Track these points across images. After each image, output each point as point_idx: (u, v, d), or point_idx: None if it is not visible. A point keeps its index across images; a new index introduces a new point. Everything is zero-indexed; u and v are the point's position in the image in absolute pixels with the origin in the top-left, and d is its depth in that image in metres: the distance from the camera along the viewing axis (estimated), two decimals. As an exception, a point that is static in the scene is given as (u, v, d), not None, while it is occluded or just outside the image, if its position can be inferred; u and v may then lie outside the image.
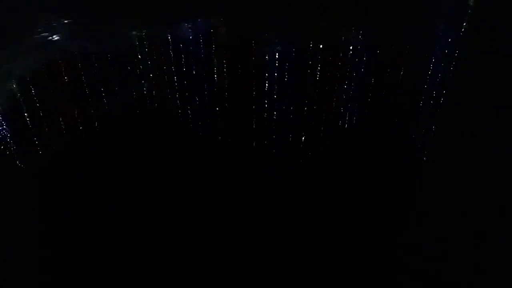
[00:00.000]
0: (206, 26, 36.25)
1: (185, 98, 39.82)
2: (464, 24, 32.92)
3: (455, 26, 33.03)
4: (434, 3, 33.43)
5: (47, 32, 34.88)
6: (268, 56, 34.65)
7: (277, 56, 34.68)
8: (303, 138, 38.80)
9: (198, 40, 36.62)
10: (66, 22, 35.94)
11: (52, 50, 34.88)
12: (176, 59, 37.92)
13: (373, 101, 38.16)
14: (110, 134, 38.52)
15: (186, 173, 39.06)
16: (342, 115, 38.63)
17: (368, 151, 38.47)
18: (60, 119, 36.98)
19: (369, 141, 38.68)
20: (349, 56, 35.59)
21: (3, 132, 35.00)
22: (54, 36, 35.50)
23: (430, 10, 33.34)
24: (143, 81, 39.66)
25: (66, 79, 35.58)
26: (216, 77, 37.67)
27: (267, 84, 35.85)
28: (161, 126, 39.86)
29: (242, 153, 39.19)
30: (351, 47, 35.22)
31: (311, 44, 34.84)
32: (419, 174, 38.45)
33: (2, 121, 34.39)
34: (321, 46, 34.72)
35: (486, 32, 32.59)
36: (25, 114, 34.99)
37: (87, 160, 37.76)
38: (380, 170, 38.01)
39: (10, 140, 35.07)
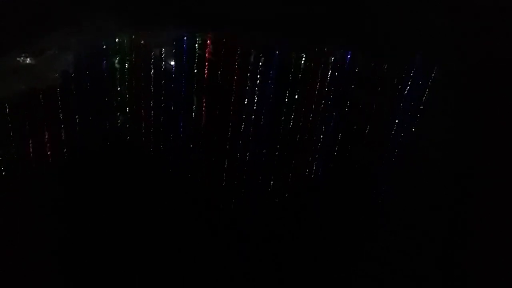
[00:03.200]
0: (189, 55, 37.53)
1: (160, 133, 40.37)
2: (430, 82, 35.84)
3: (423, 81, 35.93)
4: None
5: (27, 57, 34.92)
6: (247, 98, 36.29)
7: (255, 99, 36.37)
8: (271, 182, 39.69)
9: (180, 76, 37.93)
10: (46, 47, 36.28)
11: (29, 75, 34.88)
12: (155, 94, 38.87)
13: (339, 155, 40.07)
14: (78, 163, 37.82)
15: (153, 209, 38.41)
16: (310, 164, 40.17)
17: (331, 202, 39.65)
18: (30, 143, 36.23)
19: (333, 192, 40.00)
20: (320, 109, 37.82)
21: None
22: (33, 61, 35.48)
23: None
24: (118, 113, 40.03)
25: (41, 103, 35.44)
26: (194, 114, 38.70)
27: (243, 126, 37.18)
28: (132, 160, 39.62)
29: (212, 192, 39.44)
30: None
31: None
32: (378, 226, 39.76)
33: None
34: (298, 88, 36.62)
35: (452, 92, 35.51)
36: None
37: (51, 187, 36.60)
38: (341, 220, 39.06)
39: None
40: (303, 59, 35.42)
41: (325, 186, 40.05)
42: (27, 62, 35.26)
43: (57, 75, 34.80)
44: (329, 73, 36.16)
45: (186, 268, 35.02)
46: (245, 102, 36.63)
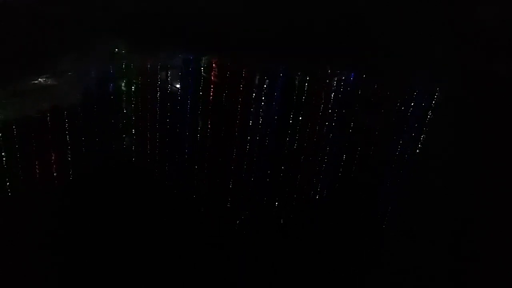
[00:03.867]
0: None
1: (165, 155, 40.73)
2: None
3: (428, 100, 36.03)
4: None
5: (41, 78, 35.59)
6: (252, 119, 36.70)
7: (260, 120, 36.79)
8: (275, 203, 39.74)
9: (186, 98, 38.53)
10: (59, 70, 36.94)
11: (41, 97, 35.51)
12: (161, 116, 39.44)
13: (343, 176, 40.17)
14: (82, 183, 38.12)
15: (158, 229, 38.39)
16: (314, 186, 40.23)
17: (335, 223, 39.61)
18: (36, 163, 36.64)
19: (337, 213, 40.00)
20: (324, 130, 38.16)
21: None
22: (47, 82, 36.09)
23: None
24: (124, 135, 40.53)
25: (49, 125, 36.06)
26: (199, 136, 39.09)
27: (248, 146, 37.48)
28: (137, 181, 39.93)
29: (216, 212, 39.51)
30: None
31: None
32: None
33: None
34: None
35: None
36: (2, 154, 34.66)
37: (55, 207, 36.80)
38: (345, 240, 38.97)
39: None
40: (307, 80, 35.92)
41: (329, 207, 40.11)
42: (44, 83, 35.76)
43: (67, 96, 35.34)
44: (332, 95, 36.60)
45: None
46: (250, 124, 36.99)
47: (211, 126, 38.86)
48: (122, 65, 37.27)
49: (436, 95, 35.23)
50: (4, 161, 34.67)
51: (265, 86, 36.51)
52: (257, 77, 36.63)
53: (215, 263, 35.70)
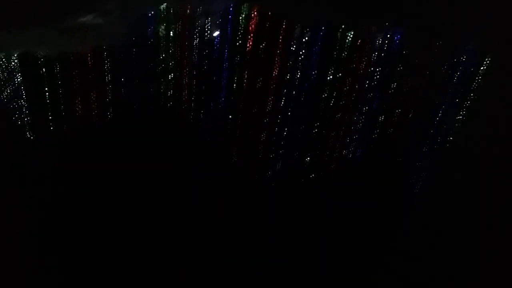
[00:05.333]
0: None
1: (200, 102, 41.02)
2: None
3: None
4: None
5: (87, 17, 35.83)
6: (289, 73, 35.88)
7: (297, 74, 35.91)
8: (307, 159, 39.62)
9: (224, 47, 38.01)
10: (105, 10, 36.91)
11: (86, 35, 35.94)
12: (198, 63, 39.28)
13: (379, 138, 39.20)
14: (121, 123, 39.32)
15: (186, 175, 39.43)
16: (348, 145, 39.63)
17: (366, 184, 39.19)
18: (77, 101, 37.99)
19: (369, 174, 39.44)
20: (363, 89, 36.87)
21: (20, 103, 36.37)
22: (93, 21, 36.24)
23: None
24: (162, 79, 40.90)
25: (91, 64, 36.93)
26: (235, 86, 38.85)
27: (283, 100, 37.01)
28: (171, 125, 40.66)
29: (246, 164, 40.02)
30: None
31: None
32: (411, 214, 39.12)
33: (22, 93, 35.77)
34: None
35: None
36: (46, 90, 36.01)
37: (94, 143, 38.35)
38: (374, 202, 38.68)
39: (26, 111, 36.30)
40: (350, 36, 34.29)
41: (361, 168, 39.61)
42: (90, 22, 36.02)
43: (110, 36, 35.54)
44: (376, 53, 34.94)
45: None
46: (287, 77, 36.24)
47: (247, 76, 38.37)
48: (163, 9, 36.77)
49: (487, 59, 32.76)
50: (47, 97, 36.61)
51: (305, 38, 35.26)
52: (298, 28, 35.37)
53: (241, 213, 36.86)
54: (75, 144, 37.70)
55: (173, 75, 40.59)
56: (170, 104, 41.69)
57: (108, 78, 38.04)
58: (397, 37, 34.43)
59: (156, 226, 35.30)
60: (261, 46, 36.49)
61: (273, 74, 36.92)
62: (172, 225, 35.65)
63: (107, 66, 37.46)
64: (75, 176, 36.65)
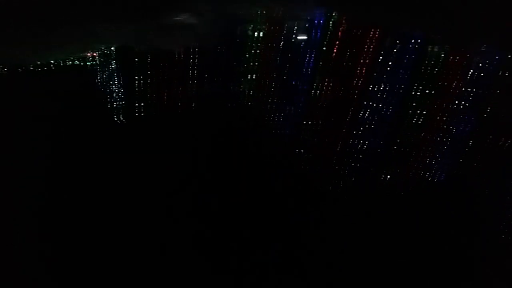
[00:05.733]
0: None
1: (278, 104, 41.12)
2: None
3: None
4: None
5: (183, 16, 37.52)
6: (374, 84, 34.82)
7: (382, 86, 34.70)
8: (383, 176, 38.21)
9: (308, 52, 37.79)
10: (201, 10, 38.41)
11: (181, 33, 37.63)
12: (281, 66, 39.39)
13: (465, 162, 36.46)
14: (203, 116, 40.64)
15: (254, 174, 39.55)
16: (430, 167, 37.60)
17: (442, 211, 36.98)
18: (165, 91, 40.07)
19: (450, 202, 37.07)
20: (454, 109, 34.69)
21: (113, 87, 38.96)
22: (188, 20, 37.57)
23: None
24: (243, 79, 41.64)
25: (180, 60, 38.77)
26: (315, 92, 38.45)
27: (364, 112, 36.02)
28: (247, 124, 41.21)
29: (317, 172, 39.51)
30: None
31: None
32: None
33: (118, 79, 38.47)
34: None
35: None
36: (136, 78, 38.47)
37: (178, 133, 39.96)
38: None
39: (116, 96, 38.93)
40: (444, 53, 32.50)
41: (442, 191, 37.36)
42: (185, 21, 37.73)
43: (203, 35, 36.85)
44: (471, 72, 32.77)
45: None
46: (371, 87, 35.22)
47: (329, 83, 37.77)
48: (254, 11, 37.44)
49: None
50: (136, 85, 38.89)
51: (395, 50, 34.01)
52: (388, 39, 34.20)
53: (307, 221, 36.39)
54: (156, 130, 39.55)
55: (255, 75, 41.17)
56: (248, 103, 42.27)
57: (194, 73, 39.77)
58: (495, 59, 32.10)
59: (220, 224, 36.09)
60: (347, 54, 35.91)
61: (357, 84, 36.13)
62: (238, 226, 36.12)
63: (194, 62, 39.20)
64: (153, 160, 38.22)
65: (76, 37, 33.90)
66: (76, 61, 38.81)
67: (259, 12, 37.50)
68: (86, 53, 38.67)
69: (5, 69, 36.14)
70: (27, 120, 35.80)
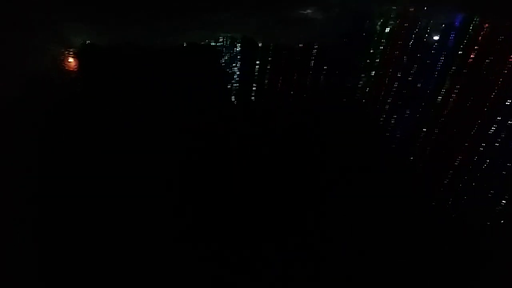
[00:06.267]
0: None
1: (396, 105, 38.79)
2: None
3: None
4: None
5: (308, 10, 36.91)
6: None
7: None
8: (503, 202, 34.06)
9: (440, 53, 34.65)
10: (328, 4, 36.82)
11: (303, 28, 36.95)
12: (407, 65, 36.79)
13: None
14: (311, 108, 40.00)
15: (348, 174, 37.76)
16: None
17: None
18: (279, 80, 40.25)
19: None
20: None
21: (233, 70, 39.52)
22: (313, 15, 36.47)
23: None
24: (363, 75, 40.15)
25: (300, 54, 38.18)
26: (440, 98, 35.41)
27: (493, 130, 32.22)
28: (357, 121, 39.74)
29: (426, 184, 36.64)
30: None
31: None
32: None
33: (241, 62, 39.34)
34: None
35: None
36: (257, 63, 39.31)
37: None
38: None
39: (236, 78, 39.59)
40: None
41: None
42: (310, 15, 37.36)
43: (326, 31, 36.14)
44: None
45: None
46: (508, 103, 31.29)
47: (460, 90, 34.40)
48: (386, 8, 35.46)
49: None
50: (256, 69, 39.41)
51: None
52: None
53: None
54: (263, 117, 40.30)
55: (376, 72, 39.33)
56: (363, 100, 40.71)
57: (311, 65, 39.36)
58: None
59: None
60: (485, 62, 32.11)
61: (491, 95, 32.29)
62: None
63: (313, 57, 38.31)
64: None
65: (204, 24, 35.91)
66: (211, 42, 40.76)
67: (393, 8, 35.56)
68: (217, 35, 40.86)
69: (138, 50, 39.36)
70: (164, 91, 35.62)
